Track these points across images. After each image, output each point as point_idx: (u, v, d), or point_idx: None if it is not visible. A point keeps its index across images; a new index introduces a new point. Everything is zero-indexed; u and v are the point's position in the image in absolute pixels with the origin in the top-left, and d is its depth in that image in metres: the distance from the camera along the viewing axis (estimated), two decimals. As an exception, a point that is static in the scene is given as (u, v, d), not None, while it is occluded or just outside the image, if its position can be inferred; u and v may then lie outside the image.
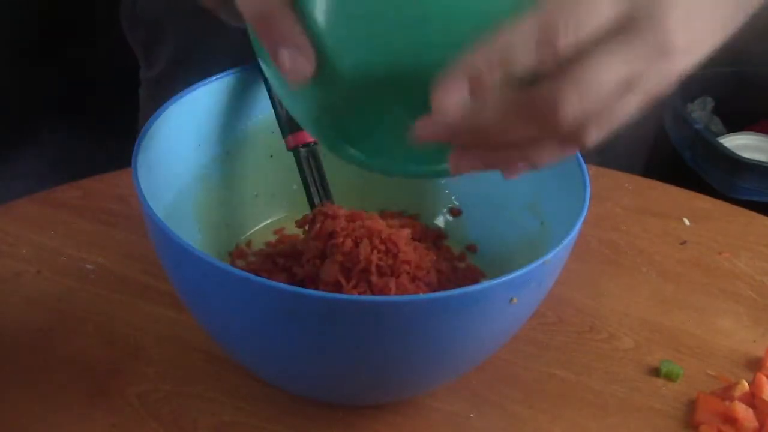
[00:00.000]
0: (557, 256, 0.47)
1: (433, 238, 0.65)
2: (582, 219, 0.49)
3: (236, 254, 0.62)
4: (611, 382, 0.59)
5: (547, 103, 0.34)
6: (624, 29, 0.34)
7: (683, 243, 0.73)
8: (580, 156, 0.54)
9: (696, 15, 0.36)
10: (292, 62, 0.37)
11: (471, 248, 0.64)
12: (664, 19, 0.35)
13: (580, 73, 0.34)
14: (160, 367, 0.57)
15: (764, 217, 0.77)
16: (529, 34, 0.33)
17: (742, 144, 1.38)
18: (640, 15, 0.34)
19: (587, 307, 0.65)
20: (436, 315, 0.44)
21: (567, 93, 0.34)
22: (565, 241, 0.47)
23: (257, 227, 0.65)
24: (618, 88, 0.35)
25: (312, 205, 0.61)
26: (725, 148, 1.28)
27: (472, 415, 0.56)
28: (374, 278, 0.55)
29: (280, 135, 0.62)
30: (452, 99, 0.34)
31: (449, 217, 0.66)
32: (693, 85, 1.41)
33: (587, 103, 0.34)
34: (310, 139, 0.60)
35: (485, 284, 0.44)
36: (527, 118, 0.35)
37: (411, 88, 0.37)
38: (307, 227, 0.58)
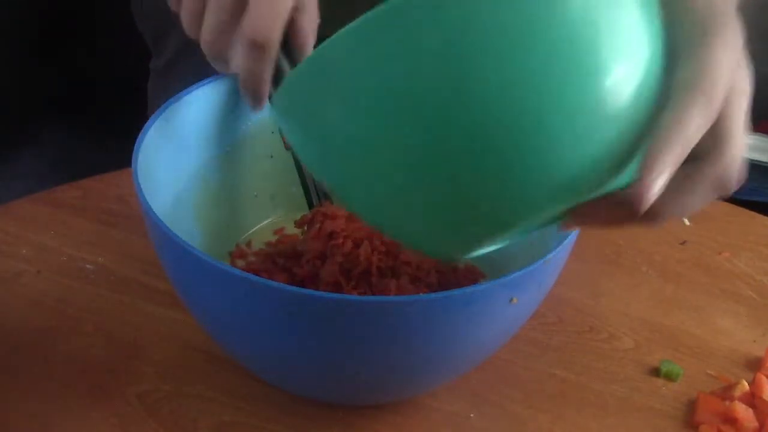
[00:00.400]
0: (557, 256, 0.47)
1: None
2: (582, 219, 0.49)
3: (236, 254, 0.62)
4: (611, 382, 0.59)
5: (724, 178, 0.39)
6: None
7: (683, 243, 0.73)
8: None
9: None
10: None
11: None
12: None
13: (730, 147, 0.39)
14: (160, 367, 0.57)
15: (764, 217, 0.77)
16: (694, 105, 0.35)
17: (742, 144, 1.38)
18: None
19: (587, 307, 0.65)
20: (436, 315, 0.44)
21: (734, 166, 0.39)
22: (565, 241, 0.47)
23: (257, 227, 0.65)
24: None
25: (311, 205, 0.61)
26: (725, 148, 1.28)
27: (472, 415, 0.56)
28: (374, 279, 0.55)
29: (279, 135, 0.62)
30: (653, 192, 0.35)
31: (449, 217, 0.66)
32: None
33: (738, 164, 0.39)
34: None
35: (485, 284, 0.44)
36: (704, 194, 0.38)
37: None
38: (306, 228, 0.58)
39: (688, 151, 0.35)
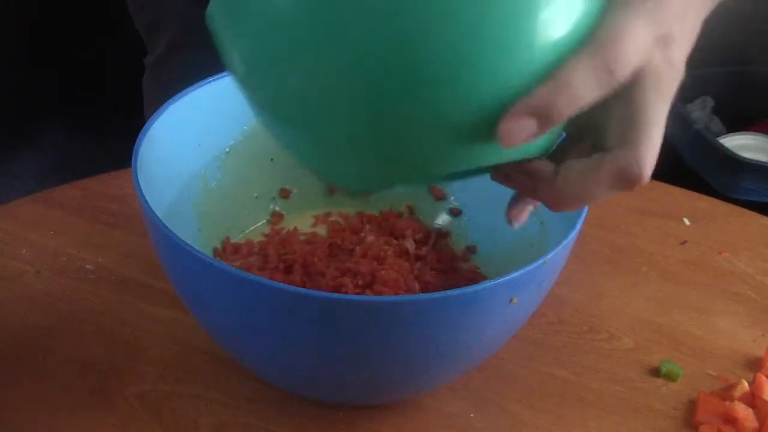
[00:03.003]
0: (557, 256, 0.47)
1: (435, 239, 0.65)
2: (582, 219, 0.49)
3: (230, 249, 0.62)
4: (611, 382, 0.59)
5: (628, 173, 0.37)
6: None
7: (683, 243, 0.73)
8: None
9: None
10: None
11: (471, 249, 0.64)
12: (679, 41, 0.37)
13: (637, 142, 0.37)
14: (160, 367, 0.57)
15: (764, 217, 0.77)
16: (589, 67, 0.35)
17: (742, 144, 1.38)
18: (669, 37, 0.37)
19: (587, 307, 0.65)
20: (436, 315, 0.44)
21: (647, 158, 0.37)
22: (565, 241, 0.47)
23: (256, 227, 0.65)
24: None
25: None
26: (725, 148, 1.28)
27: (472, 415, 0.56)
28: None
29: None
30: (521, 134, 0.35)
31: (449, 217, 0.66)
32: (693, 85, 1.41)
33: (655, 154, 0.37)
34: None
35: (485, 284, 0.44)
36: (606, 186, 0.38)
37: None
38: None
39: (570, 110, 0.35)
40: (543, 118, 0.35)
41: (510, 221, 0.45)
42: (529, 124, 0.35)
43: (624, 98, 0.36)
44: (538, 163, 0.40)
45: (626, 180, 0.37)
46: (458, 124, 0.35)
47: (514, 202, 0.45)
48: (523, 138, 0.35)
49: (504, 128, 0.35)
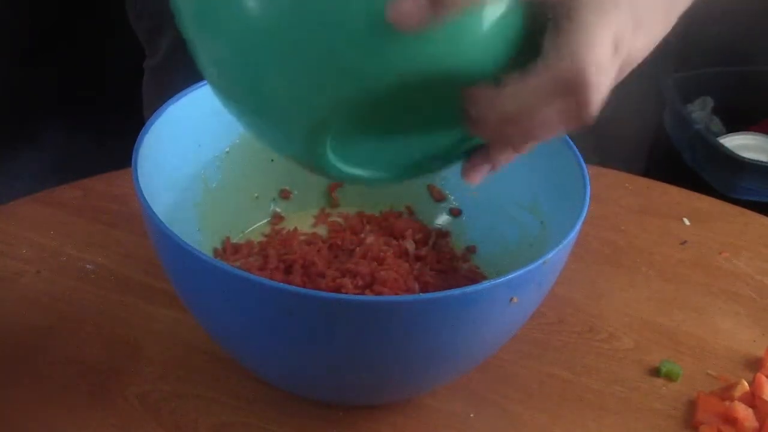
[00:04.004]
0: (557, 256, 0.47)
1: (435, 239, 0.65)
2: (582, 219, 0.49)
3: (230, 249, 0.62)
4: (611, 382, 0.59)
5: (568, 71, 0.35)
6: None
7: (683, 243, 0.73)
8: (580, 156, 0.54)
9: None
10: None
11: (471, 249, 0.64)
12: None
13: (586, 45, 0.34)
14: (160, 367, 0.57)
15: (764, 217, 0.77)
16: None
17: (742, 144, 1.38)
18: None
19: (587, 307, 0.65)
20: (436, 315, 0.44)
21: (586, 62, 0.34)
22: (565, 241, 0.47)
23: (256, 227, 0.65)
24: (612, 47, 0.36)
25: None
26: (725, 148, 1.28)
27: (472, 415, 0.56)
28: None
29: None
30: (411, 13, 0.33)
31: (449, 217, 0.66)
32: (693, 85, 1.41)
33: (597, 62, 0.35)
34: None
35: (485, 284, 0.44)
36: (550, 92, 0.35)
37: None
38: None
39: None
40: None
41: (464, 176, 0.43)
42: (420, 2, 0.33)
43: (559, 17, 0.35)
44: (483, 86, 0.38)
45: (564, 86, 0.35)
46: (370, 16, 0.34)
47: (470, 159, 0.43)
48: (416, 19, 0.33)
49: (394, 7, 0.33)
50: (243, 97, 0.39)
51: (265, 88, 0.37)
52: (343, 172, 0.42)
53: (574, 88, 0.35)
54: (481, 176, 0.43)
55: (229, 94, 0.40)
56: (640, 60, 0.40)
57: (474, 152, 0.43)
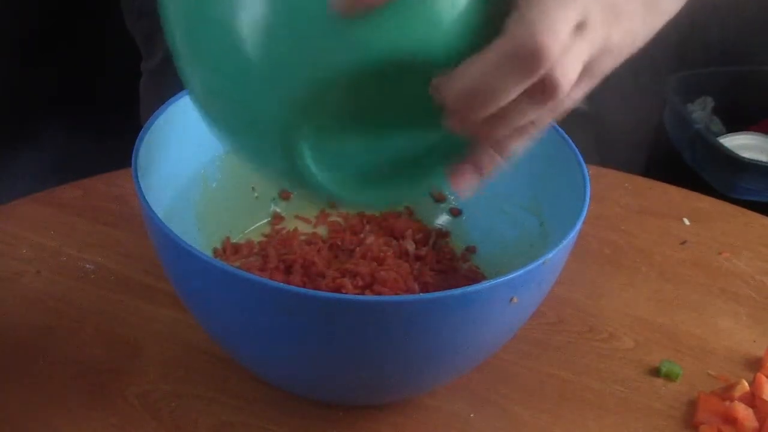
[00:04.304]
0: (557, 256, 0.47)
1: (435, 238, 0.65)
2: (582, 219, 0.49)
3: (230, 249, 0.62)
4: (611, 382, 0.59)
5: (525, 42, 0.33)
6: None
7: (683, 243, 0.73)
8: (580, 156, 0.54)
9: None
10: None
11: (471, 249, 0.64)
12: None
13: (541, 13, 0.34)
14: (160, 367, 0.57)
15: (764, 217, 0.77)
16: None
17: (742, 144, 1.38)
18: None
19: (587, 307, 0.65)
20: (436, 315, 0.44)
21: (543, 32, 0.33)
22: (565, 241, 0.47)
23: (256, 227, 0.65)
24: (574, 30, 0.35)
25: None
26: (725, 148, 1.28)
27: (472, 415, 0.56)
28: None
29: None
30: None
31: (449, 217, 0.66)
32: (693, 85, 1.41)
33: (554, 32, 0.34)
34: None
35: (485, 284, 0.44)
36: (509, 67, 0.34)
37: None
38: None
39: None
40: None
41: (450, 183, 0.42)
42: None
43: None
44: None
45: (522, 56, 0.33)
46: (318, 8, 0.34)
47: (455, 164, 0.42)
48: (355, 4, 0.33)
49: None
50: (214, 107, 0.40)
51: (233, 93, 0.38)
52: (329, 187, 0.41)
53: (531, 58, 0.33)
54: (466, 182, 0.41)
55: (207, 110, 0.41)
56: (624, 52, 0.39)
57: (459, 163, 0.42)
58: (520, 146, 0.40)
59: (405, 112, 0.39)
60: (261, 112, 0.37)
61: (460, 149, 0.41)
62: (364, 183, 0.42)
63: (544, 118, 0.38)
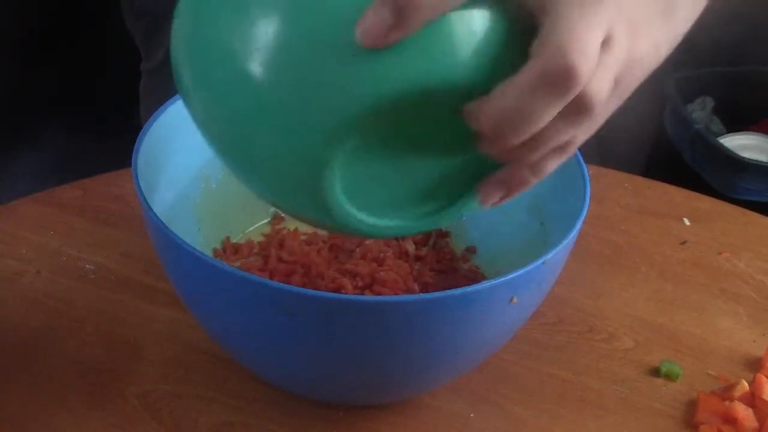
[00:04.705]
0: (557, 256, 0.47)
1: (435, 239, 0.65)
2: (582, 219, 0.49)
3: (230, 249, 0.62)
4: (611, 382, 0.59)
5: (556, 60, 0.33)
6: None
7: (683, 243, 0.73)
8: (580, 156, 0.54)
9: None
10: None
11: (471, 249, 0.64)
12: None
13: (568, 31, 0.34)
14: (160, 367, 0.57)
15: (764, 217, 0.77)
16: None
17: (742, 144, 1.39)
18: None
19: (587, 307, 0.65)
20: (436, 315, 0.44)
21: (572, 49, 0.33)
22: (565, 241, 0.47)
23: (256, 227, 0.65)
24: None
25: None
26: (725, 148, 1.28)
27: (472, 415, 0.56)
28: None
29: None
30: (375, 28, 0.33)
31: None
32: (693, 85, 1.41)
33: (584, 48, 0.34)
34: None
35: (485, 284, 0.44)
36: (544, 88, 0.34)
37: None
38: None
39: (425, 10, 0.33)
40: (396, 9, 0.32)
41: (477, 195, 0.41)
42: (384, 16, 0.33)
43: (541, 18, 0.35)
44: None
45: (554, 76, 0.33)
46: (343, 38, 0.34)
47: (486, 177, 0.41)
48: (382, 35, 0.33)
49: (360, 26, 0.33)
50: (238, 152, 0.38)
51: (258, 136, 0.36)
52: (362, 221, 0.40)
53: (565, 79, 0.34)
54: (493, 197, 0.41)
55: (226, 152, 0.39)
56: (650, 63, 0.39)
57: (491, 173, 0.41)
58: (554, 166, 0.40)
59: (435, 139, 0.39)
60: (285, 149, 0.36)
61: (491, 170, 0.40)
62: (395, 212, 0.41)
63: (579, 136, 0.38)
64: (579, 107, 0.35)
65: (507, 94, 0.35)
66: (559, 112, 0.35)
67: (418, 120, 0.36)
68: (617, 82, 0.37)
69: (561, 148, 0.39)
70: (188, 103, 0.39)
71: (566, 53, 0.33)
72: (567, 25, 0.34)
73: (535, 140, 0.37)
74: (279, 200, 0.40)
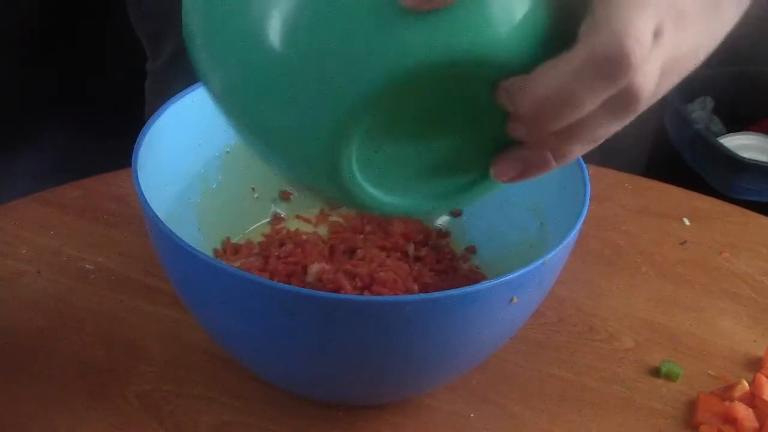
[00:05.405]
0: (557, 256, 0.47)
1: (435, 239, 0.65)
2: (582, 219, 0.49)
3: (230, 250, 0.62)
4: (611, 382, 0.59)
5: (608, 47, 0.32)
6: None
7: (683, 243, 0.73)
8: (580, 156, 0.54)
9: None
10: None
11: (471, 249, 0.64)
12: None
13: (621, 17, 0.32)
14: (160, 367, 0.57)
15: (764, 217, 0.77)
16: None
17: (742, 144, 1.39)
18: None
19: (587, 307, 0.65)
20: (436, 315, 0.44)
21: (626, 35, 0.32)
22: (565, 241, 0.47)
23: (256, 227, 0.65)
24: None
25: None
26: (725, 148, 1.28)
27: (472, 415, 0.56)
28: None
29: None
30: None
31: (449, 217, 0.66)
32: (693, 85, 1.41)
33: (638, 35, 0.33)
34: None
35: (485, 284, 0.44)
36: (591, 75, 0.33)
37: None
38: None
39: None
40: None
41: (492, 166, 0.39)
42: None
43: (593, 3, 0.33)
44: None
45: (604, 63, 0.32)
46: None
47: (505, 149, 0.39)
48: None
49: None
50: (255, 116, 0.37)
51: (277, 99, 0.35)
52: (375, 197, 0.39)
53: (614, 65, 0.32)
54: (508, 174, 0.38)
55: (232, 112, 0.38)
56: (688, 65, 0.38)
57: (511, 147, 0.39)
58: (579, 154, 0.38)
59: (462, 118, 0.37)
60: (305, 117, 0.35)
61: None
62: (408, 190, 0.40)
63: (613, 128, 0.36)
64: (624, 98, 0.34)
65: (552, 75, 0.33)
66: (603, 102, 0.34)
67: (448, 95, 0.35)
68: (660, 78, 0.35)
69: (591, 137, 0.37)
70: (206, 75, 0.38)
71: (622, 37, 0.32)
72: (622, 12, 0.32)
73: (572, 129, 0.35)
74: (292, 171, 0.39)
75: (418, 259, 0.63)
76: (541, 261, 0.46)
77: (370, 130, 0.36)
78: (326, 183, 0.38)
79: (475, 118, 0.37)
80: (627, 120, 0.36)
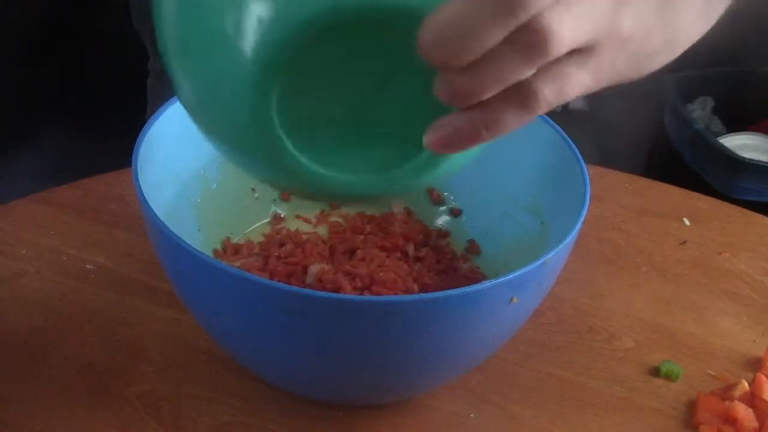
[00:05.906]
0: (557, 256, 0.47)
1: (435, 239, 0.65)
2: (582, 219, 0.49)
3: (230, 250, 0.62)
4: (611, 382, 0.59)
5: (536, 32, 0.32)
6: None
7: (683, 243, 0.73)
8: (580, 156, 0.54)
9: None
10: None
11: (471, 249, 0.64)
12: None
13: None
14: (160, 367, 0.57)
15: (764, 217, 0.77)
16: None
17: (742, 144, 1.38)
18: None
19: (587, 307, 0.65)
20: (436, 315, 0.44)
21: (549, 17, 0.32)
22: (565, 241, 0.47)
23: (256, 227, 0.65)
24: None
25: None
26: (725, 148, 1.28)
27: (472, 415, 0.56)
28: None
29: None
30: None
31: (449, 217, 0.66)
32: (693, 85, 1.41)
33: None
34: None
35: (485, 284, 0.44)
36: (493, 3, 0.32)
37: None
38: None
39: None
40: None
41: (424, 139, 0.37)
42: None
43: None
44: None
45: (540, 38, 0.32)
46: None
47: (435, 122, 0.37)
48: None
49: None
50: (183, 65, 0.38)
51: (197, 49, 0.36)
52: (311, 169, 0.38)
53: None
54: (440, 142, 0.36)
55: (177, 73, 0.39)
56: (643, 48, 0.37)
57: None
58: (511, 121, 0.36)
59: (385, 74, 0.36)
60: (226, 69, 0.35)
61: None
62: (347, 164, 0.39)
63: (541, 87, 0.35)
64: (532, 36, 0.33)
65: (449, 8, 0.32)
66: (508, 39, 0.33)
67: (368, 49, 0.35)
68: (593, 50, 0.35)
69: (518, 99, 0.35)
70: (173, 73, 0.39)
71: (547, 22, 0.32)
72: None
73: (480, 67, 0.33)
74: (240, 157, 0.39)
75: (418, 259, 0.63)
76: (541, 261, 0.46)
77: (290, 82, 0.35)
78: (266, 161, 0.38)
79: (399, 78, 0.37)
80: (538, 63, 0.34)
